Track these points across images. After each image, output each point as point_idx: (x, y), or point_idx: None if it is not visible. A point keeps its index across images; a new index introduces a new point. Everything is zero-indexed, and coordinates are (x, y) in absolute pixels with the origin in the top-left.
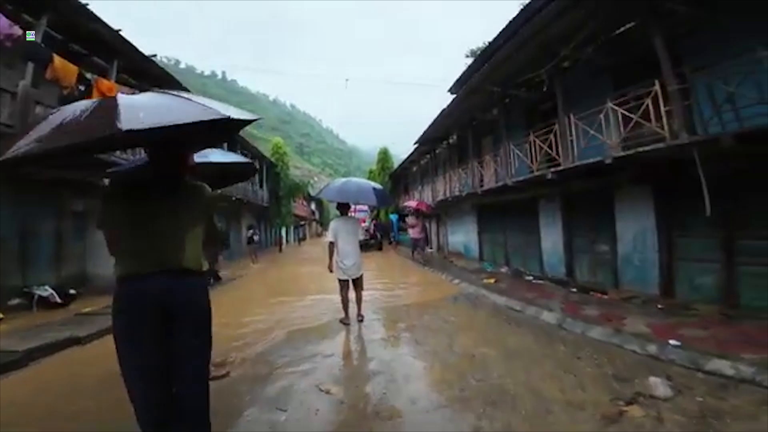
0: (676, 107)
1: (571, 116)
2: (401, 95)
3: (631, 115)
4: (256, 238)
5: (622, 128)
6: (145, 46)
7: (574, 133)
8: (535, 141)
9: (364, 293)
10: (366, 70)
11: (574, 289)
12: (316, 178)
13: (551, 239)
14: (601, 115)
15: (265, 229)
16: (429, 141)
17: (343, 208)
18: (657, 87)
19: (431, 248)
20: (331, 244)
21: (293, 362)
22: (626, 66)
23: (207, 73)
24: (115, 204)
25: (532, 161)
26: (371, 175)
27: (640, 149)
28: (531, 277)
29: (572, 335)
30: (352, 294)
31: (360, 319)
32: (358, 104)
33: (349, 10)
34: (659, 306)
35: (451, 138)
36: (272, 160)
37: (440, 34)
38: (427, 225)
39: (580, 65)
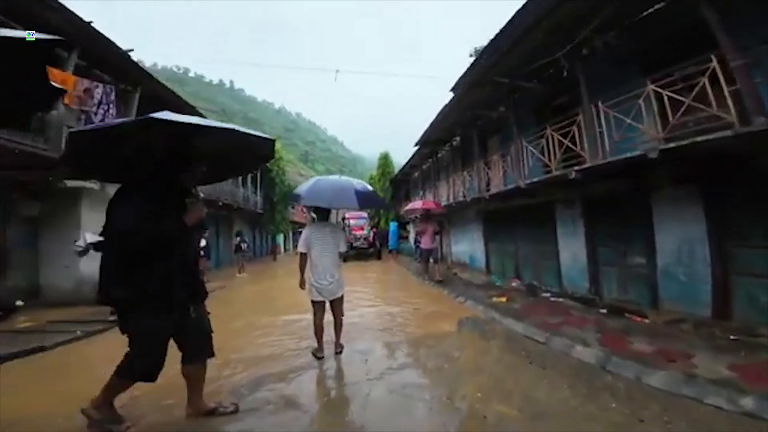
0: (745, 86)
1: (600, 104)
2: (405, 101)
3: (682, 98)
4: (243, 246)
5: (669, 115)
6: (150, 53)
7: (603, 124)
8: (553, 136)
9: (351, 313)
10: (369, 77)
11: (604, 310)
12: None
13: (571, 250)
14: (640, 101)
15: (259, 237)
16: (430, 143)
17: (321, 213)
18: (714, 63)
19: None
20: (302, 256)
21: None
22: (655, 50)
23: (215, 81)
24: None
25: (549, 159)
26: (371, 181)
27: (699, 139)
28: (548, 294)
29: (623, 382)
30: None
31: (338, 351)
32: (363, 112)
33: (349, 17)
34: (731, 336)
35: (455, 140)
36: (267, 164)
37: (444, 36)
38: (439, 229)
39: (600, 52)
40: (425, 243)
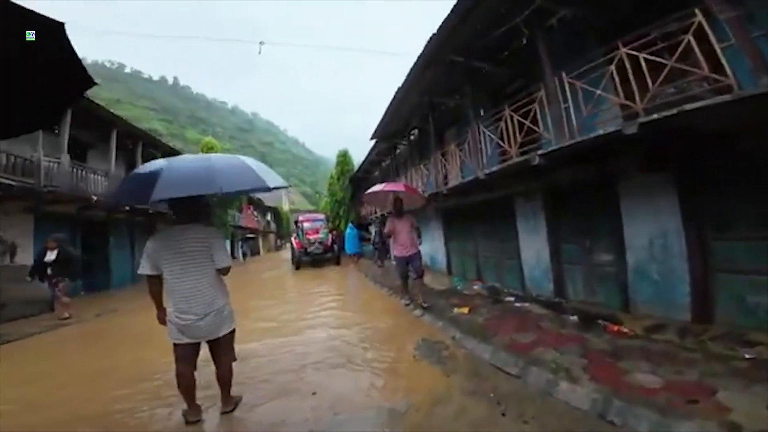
0: (742, 41)
1: (564, 76)
2: (373, 103)
3: (663, 61)
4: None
5: (649, 83)
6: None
7: (569, 98)
8: (512, 117)
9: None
10: (331, 79)
11: (574, 317)
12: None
13: (533, 247)
14: (612, 66)
15: None
16: (388, 136)
17: (184, 209)
18: (700, 17)
19: (384, 258)
20: (151, 281)
21: None
22: (623, 12)
23: (156, 78)
24: None
25: (509, 144)
26: (331, 180)
27: (690, 106)
28: (512, 298)
29: None
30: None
31: (228, 409)
32: (327, 114)
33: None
34: (746, 355)
35: (412, 134)
36: None
37: (409, 36)
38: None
39: (563, 17)
40: (401, 247)
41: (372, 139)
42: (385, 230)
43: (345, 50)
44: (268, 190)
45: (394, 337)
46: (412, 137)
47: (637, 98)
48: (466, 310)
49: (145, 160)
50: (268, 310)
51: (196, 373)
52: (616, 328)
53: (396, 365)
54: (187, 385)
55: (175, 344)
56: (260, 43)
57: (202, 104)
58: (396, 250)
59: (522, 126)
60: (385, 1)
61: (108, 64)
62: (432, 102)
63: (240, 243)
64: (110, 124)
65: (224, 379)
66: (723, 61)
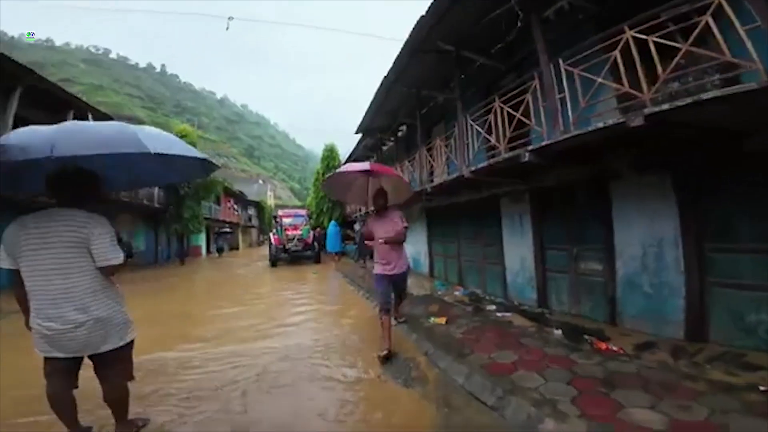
0: None
1: (561, 62)
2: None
3: (677, 45)
4: None
5: (659, 69)
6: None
7: (566, 87)
8: (502, 109)
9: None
10: (324, 73)
11: (558, 331)
12: (261, 181)
13: (518, 253)
14: (615, 52)
15: (163, 238)
16: (374, 130)
17: (59, 188)
18: None
19: (366, 257)
20: (15, 278)
21: None
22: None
23: (142, 65)
24: None
25: (498, 139)
26: (317, 176)
27: (710, 95)
28: (493, 306)
29: None
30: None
31: None
32: (321, 110)
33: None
34: (760, 387)
35: (400, 130)
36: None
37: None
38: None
39: (556, 18)
40: (383, 261)
41: (357, 132)
42: (365, 230)
43: (331, 31)
44: (158, 156)
45: (360, 351)
46: (399, 133)
47: (644, 87)
48: (443, 320)
49: None
50: (220, 313)
51: (75, 391)
52: (604, 345)
53: (355, 386)
54: (61, 409)
55: (45, 358)
56: (229, 18)
57: (189, 94)
58: (376, 265)
59: (512, 119)
60: None
61: (93, 50)
62: (420, 95)
63: (215, 237)
64: (66, 105)
65: (114, 402)
66: (748, 45)
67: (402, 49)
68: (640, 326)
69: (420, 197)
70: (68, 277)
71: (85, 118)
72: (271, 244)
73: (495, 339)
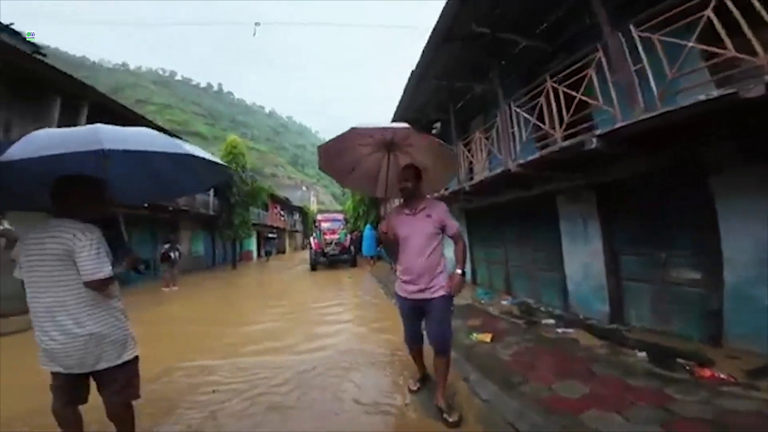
0: None
1: (632, 29)
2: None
3: None
4: (174, 255)
5: None
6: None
7: (643, 58)
8: (556, 90)
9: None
10: (359, 74)
11: (642, 353)
12: (305, 188)
13: (581, 258)
14: (709, 11)
15: (220, 243)
16: None
17: (57, 196)
18: None
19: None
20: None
21: None
22: None
23: (203, 85)
24: None
25: (552, 126)
26: None
27: None
28: (551, 320)
29: None
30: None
31: None
32: (356, 111)
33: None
34: None
35: (434, 127)
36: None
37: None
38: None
39: None
40: (407, 276)
41: None
42: (381, 230)
43: (359, 27)
44: (193, 158)
45: (388, 373)
46: (434, 131)
47: (759, 49)
48: (488, 337)
49: None
50: (250, 321)
51: (81, 408)
52: (708, 372)
53: (376, 417)
54: (63, 424)
55: (51, 372)
56: (256, 24)
57: (242, 109)
58: (398, 282)
59: (570, 101)
60: None
61: (161, 72)
62: (452, 87)
63: (264, 241)
64: (123, 118)
65: (115, 421)
66: None
67: (430, 37)
68: (753, 347)
69: (457, 198)
70: (59, 291)
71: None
72: (311, 248)
73: (556, 363)
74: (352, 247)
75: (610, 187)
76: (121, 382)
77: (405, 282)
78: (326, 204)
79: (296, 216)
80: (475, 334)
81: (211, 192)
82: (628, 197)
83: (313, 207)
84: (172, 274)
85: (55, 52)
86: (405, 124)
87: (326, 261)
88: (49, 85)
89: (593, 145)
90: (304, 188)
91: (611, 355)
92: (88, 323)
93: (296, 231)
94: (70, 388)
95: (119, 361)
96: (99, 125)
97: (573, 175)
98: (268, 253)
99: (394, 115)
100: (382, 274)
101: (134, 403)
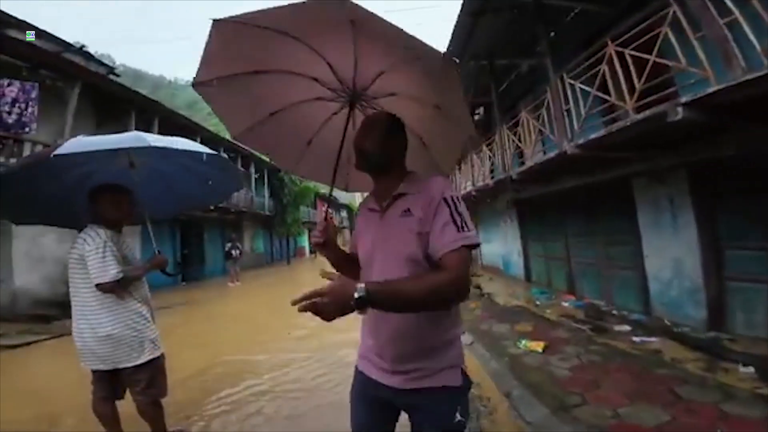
0: None
1: None
2: None
3: None
4: (235, 252)
5: None
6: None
7: (735, 10)
8: (622, 54)
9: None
10: None
11: (748, 369)
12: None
13: (669, 253)
14: None
15: (277, 241)
16: None
17: (88, 207)
18: None
19: None
20: None
21: None
22: None
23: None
24: None
25: (620, 97)
26: None
27: None
28: (626, 327)
29: None
30: None
31: None
32: None
33: None
34: None
35: (477, 113)
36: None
37: None
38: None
39: None
40: (378, 326)
41: None
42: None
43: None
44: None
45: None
46: (476, 116)
47: None
48: (540, 346)
49: None
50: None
51: (120, 403)
52: None
53: None
54: (100, 417)
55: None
56: None
57: None
58: (361, 346)
59: (641, 66)
60: None
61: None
62: (493, 66)
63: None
64: (191, 130)
65: (145, 418)
66: None
67: (460, 13)
68: None
69: (504, 188)
70: (78, 294)
71: (204, 142)
72: None
73: (628, 381)
74: None
75: (709, 166)
76: (144, 381)
77: (366, 348)
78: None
79: (343, 213)
80: (524, 341)
81: (267, 193)
82: (734, 178)
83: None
84: (235, 270)
85: (139, 72)
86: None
87: None
88: (124, 102)
89: (678, 116)
90: None
91: (706, 371)
92: (107, 325)
93: (344, 227)
94: (105, 384)
95: (138, 362)
96: (140, 132)
97: (653, 154)
98: (312, 251)
99: None
100: None
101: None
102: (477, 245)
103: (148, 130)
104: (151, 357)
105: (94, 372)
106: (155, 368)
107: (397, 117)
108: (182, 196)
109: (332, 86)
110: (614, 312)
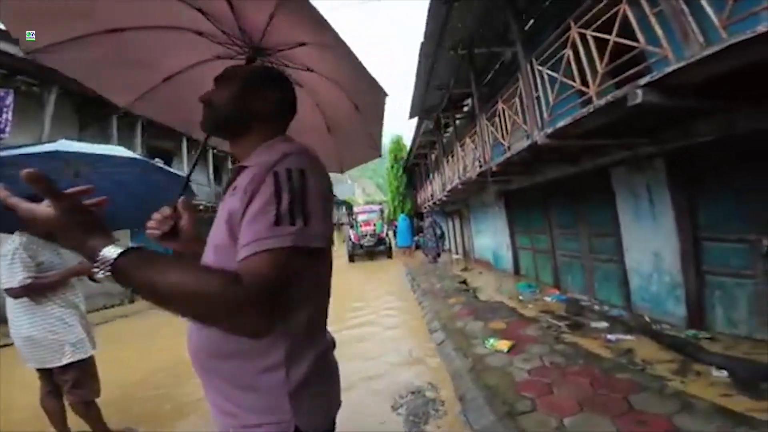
0: None
1: None
2: None
3: None
4: None
5: None
6: None
7: None
8: (584, 36)
9: None
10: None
11: (721, 372)
12: (349, 181)
13: (648, 245)
14: None
15: None
16: (431, 111)
17: None
18: None
19: (441, 251)
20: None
21: None
22: None
23: None
24: None
25: (584, 82)
26: (388, 172)
27: None
28: (603, 323)
29: None
30: None
31: None
32: (403, 100)
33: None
34: None
35: (466, 105)
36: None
37: None
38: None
39: None
40: None
41: (411, 117)
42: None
43: None
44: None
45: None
46: (466, 108)
47: None
48: (506, 345)
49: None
50: None
51: (56, 402)
52: None
53: None
54: (46, 412)
55: None
56: None
57: None
58: None
59: (604, 46)
60: None
61: None
62: (472, 56)
63: None
64: (179, 136)
65: (79, 415)
66: None
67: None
68: None
69: (485, 180)
70: (8, 297)
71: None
72: (350, 240)
73: (584, 386)
74: (388, 238)
75: (687, 152)
76: (69, 382)
77: None
78: (371, 195)
79: (343, 209)
80: (492, 341)
81: None
82: (714, 165)
83: (360, 200)
84: None
85: None
86: None
87: (363, 252)
88: (106, 106)
89: (638, 99)
90: (348, 182)
91: (676, 374)
92: (26, 327)
93: (343, 224)
94: (47, 381)
95: (60, 364)
96: (70, 141)
97: (631, 142)
98: None
99: (413, 97)
100: (418, 267)
101: None
102: (308, 249)
103: (131, 134)
104: (72, 360)
105: (36, 369)
106: (80, 370)
107: (274, 69)
108: (145, 206)
109: (224, 41)
110: (596, 307)
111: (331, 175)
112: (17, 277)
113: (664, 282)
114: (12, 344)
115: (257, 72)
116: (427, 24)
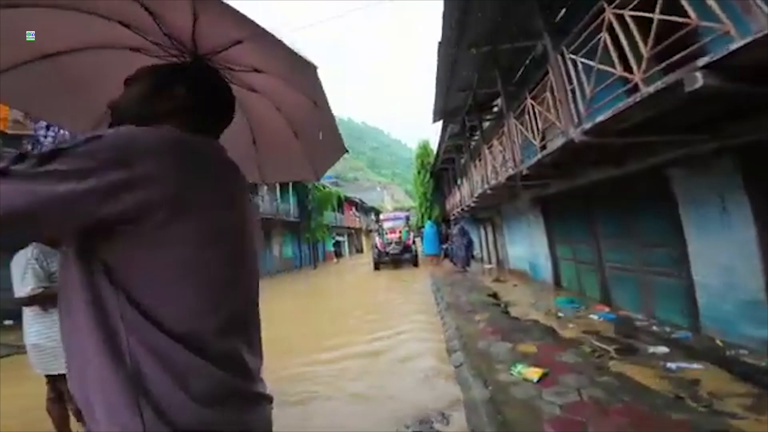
0: None
1: None
2: None
3: None
4: None
5: None
6: None
7: None
8: (622, 17)
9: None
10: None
11: None
12: (379, 188)
13: (720, 257)
14: None
15: (306, 246)
16: (455, 113)
17: None
18: None
19: (471, 259)
20: None
21: None
22: None
23: None
24: None
25: (626, 68)
26: (415, 178)
27: None
28: (663, 348)
29: None
30: None
31: None
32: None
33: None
34: None
35: (496, 105)
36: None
37: None
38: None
39: None
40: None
41: (435, 121)
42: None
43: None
44: None
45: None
46: (495, 108)
47: None
48: (536, 374)
49: None
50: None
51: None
52: None
53: None
54: (50, 417)
55: None
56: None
57: None
58: None
59: (646, 26)
60: None
61: None
62: (497, 52)
63: (334, 241)
64: None
65: (81, 421)
66: None
67: None
68: None
69: (515, 185)
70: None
71: None
72: (375, 248)
73: (630, 427)
74: (414, 246)
75: (763, 149)
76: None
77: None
78: (401, 201)
79: (372, 216)
80: (519, 367)
81: (292, 199)
82: None
83: (389, 206)
84: None
85: None
86: None
87: (389, 260)
88: None
89: (698, 83)
90: (378, 188)
91: (750, 410)
92: (34, 334)
93: (371, 230)
94: (51, 386)
95: (63, 371)
96: None
97: (688, 138)
98: (337, 255)
99: (435, 102)
100: (445, 277)
101: None
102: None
103: None
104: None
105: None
106: None
107: (186, 64)
108: None
109: (161, 53)
110: (654, 328)
111: (360, 182)
112: (27, 288)
113: (741, 300)
114: None
115: (164, 68)
116: (444, 21)
